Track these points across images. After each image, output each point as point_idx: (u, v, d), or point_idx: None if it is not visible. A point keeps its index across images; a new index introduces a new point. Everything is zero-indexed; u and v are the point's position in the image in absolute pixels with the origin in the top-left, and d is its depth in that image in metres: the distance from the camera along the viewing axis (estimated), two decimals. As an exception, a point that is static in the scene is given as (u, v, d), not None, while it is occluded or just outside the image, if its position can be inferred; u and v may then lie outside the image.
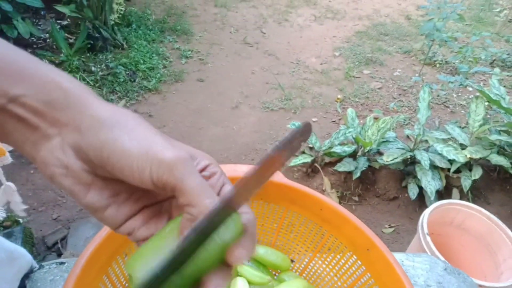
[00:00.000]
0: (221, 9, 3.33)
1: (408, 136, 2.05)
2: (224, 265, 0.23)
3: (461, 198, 1.70)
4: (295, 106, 2.32)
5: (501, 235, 1.17)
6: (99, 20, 2.35)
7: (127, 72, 2.32)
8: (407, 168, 1.80)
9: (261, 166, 0.21)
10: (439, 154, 1.67)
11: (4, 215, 0.68)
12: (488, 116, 2.03)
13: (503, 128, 1.73)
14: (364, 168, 1.72)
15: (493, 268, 1.19)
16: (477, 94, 1.93)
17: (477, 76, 2.76)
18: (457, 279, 0.67)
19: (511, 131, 1.70)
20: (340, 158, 1.81)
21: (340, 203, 1.72)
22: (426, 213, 1.18)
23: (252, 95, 2.39)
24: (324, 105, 2.36)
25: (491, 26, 3.51)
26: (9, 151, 0.62)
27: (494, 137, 1.64)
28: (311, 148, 1.87)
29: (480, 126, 1.70)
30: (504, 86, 2.30)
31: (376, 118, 1.89)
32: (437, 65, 2.81)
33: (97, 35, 2.35)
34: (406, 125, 2.23)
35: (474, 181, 1.65)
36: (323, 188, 1.75)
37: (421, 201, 1.72)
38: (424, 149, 1.74)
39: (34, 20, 2.53)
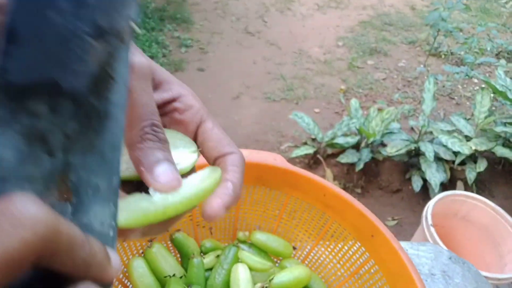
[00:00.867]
0: (223, -2, 3.29)
1: (412, 128, 2.03)
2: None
3: (465, 191, 1.68)
4: (297, 97, 2.29)
5: (506, 226, 1.15)
6: (99, 9, 2.33)
7: (127, 61, 2.30)
8: (411, 160, 1.77)
9: None
10: (444, 146, 1.65)
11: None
12: (494, 107, 2.00)
13: (508, 120, 1.70)
14: (367, 160, 1.70)
15: (497, 259, 1.17)
16: (483, 85, 1.91)
17: (483, 67, 2.72)
18: (461, 268, 0.66)
19: (517, 122, 1.68)
20: (343, 150, 1.79)
21: (342, 194, 1.70)
22: (431, 204, 1.16)
23: (253, 85, 2.36)
24: (327, 96, 2.33)
25: (497, 17, 3.45)
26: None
27: (499, 129, 1.62)
28: (313, 139, 1.85)
29: (486, 117, 1.68)
30: (510, 78, 2.26)
31: (380, 109, 1.86)
32: (442, 56, 2.77)
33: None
34: (410, 116, 2.20)
35: (478, 174, 1.63)
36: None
37: (425, 194, 1.70)
38: (428, 141, 1.72)
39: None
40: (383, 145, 1.83)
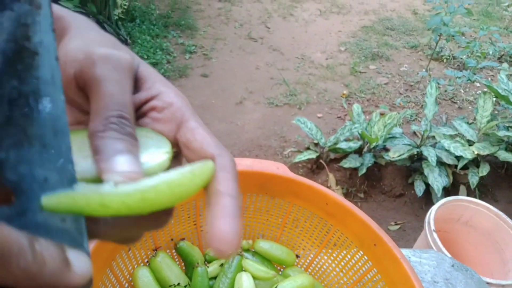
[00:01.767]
0: (225, 3, 3.31)
1: (414, 132, 2.03)
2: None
3: (468, 195, 1.68)
4: (300, 102, 2.30)
5: (509, 232, 1.15)
6: (102, 15, 2.35)
7: (131, 68, 2.32)
8: (414, 165, 1.77)
9: None
10: (446, 150, 1.65)
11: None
12: (496, 112, 2.00)
13: (511, 124, 1.70)
14: (370, 165, 1.70)
15: (500, 265, 1.17)
16: (485, 89, 1.90)
17: (485, 71, 2.72)
18: (464, 275, 0.66)
19: (520, 127, 1.68)
20: (345, 154, 1.79)
21: (345, 199, 1.70)
22: (434, 209, 1.16)
23: (256, 91, 2.38)
24: (329, 101, 2.34)
25: (499, 20, 3.45)
26: None
27: (502, 133, 1.62)
28: (316, 144, 1.86)
29: (488, 122, 1.68)
30: (513, 82, 2.26)
31: (382, 114, 1.87)
32: (444, 60, 2.78)
33: (101, 30, 2.35)
34: (413, 120, 2.21)
35: (481, 178, 1.63)
36: (328, 185, 1.73)
37: (428, 198, 1.70)
38: (431, 145, 1.72)
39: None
40: (386, 149, 1.83)
